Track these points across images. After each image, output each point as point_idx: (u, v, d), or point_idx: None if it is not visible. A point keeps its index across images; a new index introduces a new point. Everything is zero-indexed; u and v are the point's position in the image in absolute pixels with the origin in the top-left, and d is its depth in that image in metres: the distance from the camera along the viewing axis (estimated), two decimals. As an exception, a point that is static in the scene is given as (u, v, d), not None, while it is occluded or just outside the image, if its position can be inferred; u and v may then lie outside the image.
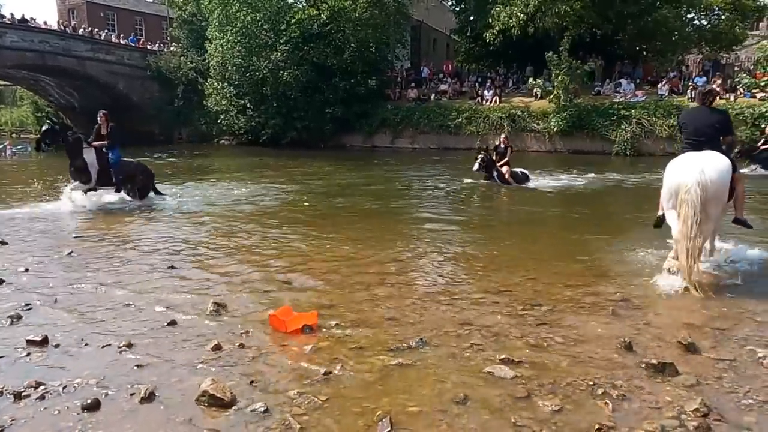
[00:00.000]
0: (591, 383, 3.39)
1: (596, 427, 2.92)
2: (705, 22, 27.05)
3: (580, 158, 20.94)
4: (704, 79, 23.84)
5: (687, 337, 3.94)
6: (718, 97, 6.50)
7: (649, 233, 6.34)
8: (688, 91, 22.67)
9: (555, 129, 23.02)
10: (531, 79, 25.42)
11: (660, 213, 5.58)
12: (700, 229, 4.85)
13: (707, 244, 5.37)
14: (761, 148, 15.21)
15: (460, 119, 25.01)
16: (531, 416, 3.05)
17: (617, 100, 23.44)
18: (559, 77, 22.46)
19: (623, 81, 24.77)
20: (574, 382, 3.41)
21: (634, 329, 4.26)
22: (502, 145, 13.37)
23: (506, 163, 13.04)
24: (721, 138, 5.35)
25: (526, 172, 13.45)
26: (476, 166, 12.82)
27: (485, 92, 25.92)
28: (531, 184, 13.15)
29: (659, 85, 23.85)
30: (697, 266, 5.01)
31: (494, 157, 13.13)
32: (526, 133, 24.03)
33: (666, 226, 5.57)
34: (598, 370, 3.57)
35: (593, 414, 3.07)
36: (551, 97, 23.13)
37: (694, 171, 4.86)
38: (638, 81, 25.21)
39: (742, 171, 14.07)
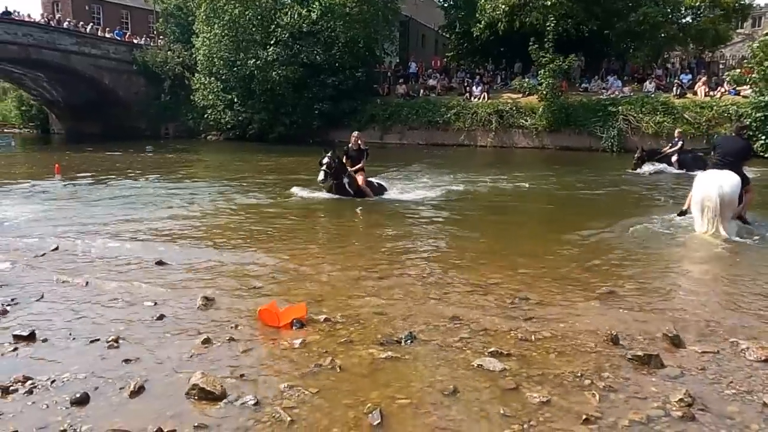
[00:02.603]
0: (578, 375, 3.44)
1: (583, 417, 2.97)
2: (690, 20, 27.31)
3: (565, 155, 21.12)
4: (689, 76, 24.12)
5: (672, 330, 4.00)
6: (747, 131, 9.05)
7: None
8: (674, 88, 22.91)
9: (542, 125, 23.15)
10: (517, 79, 25.52)
11: (685, 207, 7.56)
12: (716, 225, 6.81)
13: (722, 231, 6.97)
14: (667, 152, 15.50)
15: (448, 115, 25.07)
16: (519, 407, 3.08)
17: (604, 97, 23.63)
18: (545, 73, 22.58)
19: (610, 78, 24.97)
20: (562, 374, 3.46)
21: (621, 322, 4.32)
22: (355, 147, 10.47)
23: (361, 170, 10.21)
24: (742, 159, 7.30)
25: (384, 183, 11.12)
26: (321, 176, 9.42)
27: (474, 88, 26.01)
28: (394, 195, 10.83)
29: (646, 83, 24.07)
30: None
31: (344, 161, 10.18)
32: (514, 130, 24.16)
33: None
34: (585, 363, 3.62)
35: (580, 405, 3.11)
36: (538, 93, 23.25)
37: (715, 186, 6.74)
38: (625, 78, 25.42)
39: (644, 170, 14.95)
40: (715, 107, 21.04)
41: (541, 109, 23.19)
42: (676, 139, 15.83)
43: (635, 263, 6.14)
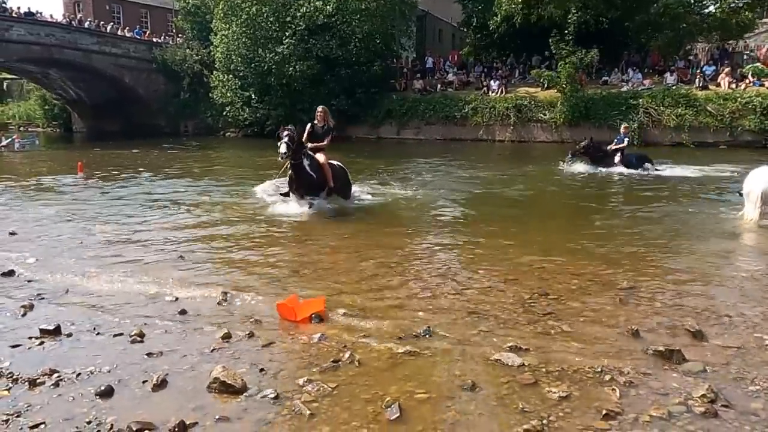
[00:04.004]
0: (598, 370, 3.41)
1: (603, 412, 2.94)
2: (713, 10, 26.75)
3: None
4: (713, 67, 23.63)
5: (694, 325, 3.95)
6: None
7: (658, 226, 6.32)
8: (696, 80, 22.48)
9: (561, 119, 22.90)
10: (535, 70, 25.26)
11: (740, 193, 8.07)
12: (761, 213, 7.43)
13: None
14: (612, 149, 13.89)
15: (466, 110, 24.91)
16: (538, 402, 3.07)
17: (624, 90, 23.29)
18: (565, 65, 22.31)
19: (631, 70, 24.58)
20: (582, 369, 3.43)
21: (642, 317, 4.28)
22: (321, 123, 9.11)
23: (321, 149, 8.88)
24: None
25: (344, 167, 9.60)
26: (283, 148, 7.96)
27: (491, 83, 25.82)
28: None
29: (666, 75, 23.66)
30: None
31: (306, 138, 8.73)
32: (533, 124, 23.93)
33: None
34: (606, 358, 3.59)
35: (600, 400, 3.09)
36: (558, 86, 22.99)
37: (763, 179, 7.40)
38: (646, 70, 25.00)
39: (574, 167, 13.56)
40: (739, 99, 20.60)
41: (559, 103, 22.93)
42: (622, 135, 14.15)
43: (656, 257, 6.08)
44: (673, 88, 22.34)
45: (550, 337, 3.93)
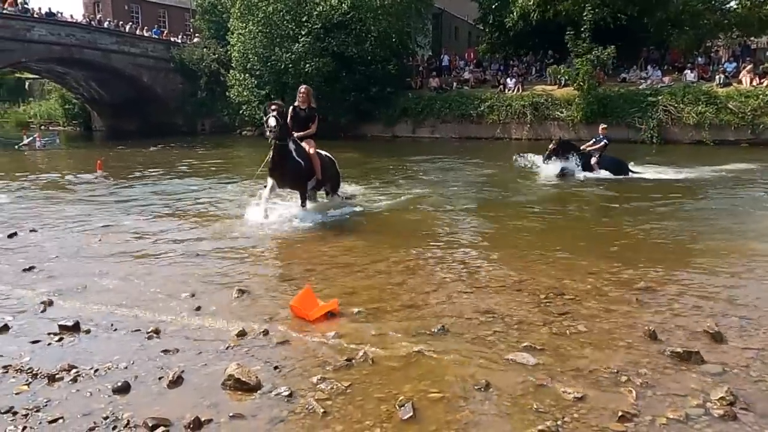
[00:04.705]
0: (614, 371, 3.38)
1: (619, 414, 2.91)
2: (735, 6, 26.26)
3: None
4: (734, 64, 23.22)
5: (713, 326, 3.89)
6: None
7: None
8: (717, 77, 22.11)
9: (579, 117, 22.66)
10: (551, 68, 25.02)
11: None
12: None
13: None
14: (588, 149, 12.75)
15: (482, 108, 24.76)
16: (553, 403, 3.05)
17: (643, 87, 22.98)
18: (582, 63, 22.07)
19: (650, 67, 24.25)
20: (597, 370, 3.40)
21: (659, 317, 4.22)
22: (303, 105, 8.04)
23: (308, 138, 7.99)
24: None
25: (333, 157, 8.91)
26: (272, 122, 7.11)
27: (508, 80, 25.65)
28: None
29: (686, 72, 23.30)
30: None
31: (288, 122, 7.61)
32: (550, 122, 23.72)
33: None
34: (622, 358, 3.55)
35: (616, 401, 3.05)
36: (575, 84, 22.75)
37: None
38: (666, 67, 24.64)
39: (549, 168, 12.30)
40: (761, 96, 20.20)
41: (577, 101, 22.69)
42: (600, 136, 12.90)
43: (673, 257, 5.99)
44: (694, 85, 22.00)
45: (566, 337, 3.90)
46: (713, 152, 17.93)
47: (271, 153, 7.56)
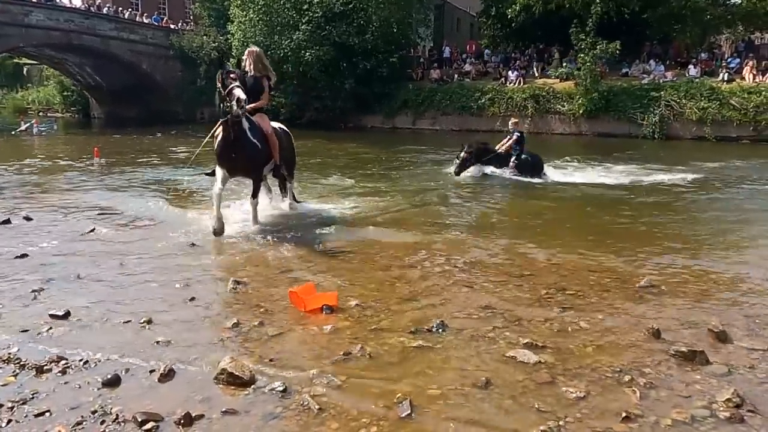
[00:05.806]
0: (617, 370, 3.29)
1: (623, 414, 2.83)
2: (739, 1, 26.05)
3: (603, 142, 20.51)
4: (737, 60, 23.07)
5: (718, 325, 3.81)
6: None
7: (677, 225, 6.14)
8: (721, 73, 21.95)
9: (580, 111, 22.52)
10: (554, 65, 24.83)
11: None
12: None
13: None
14: (503, 148, 11.23)
15: (483, 100, 24.60)
16: (555, 402, 2.97)
17: (645, 81, 22.83)
18: (586, 57, 21.89)
19: (653, 62, 24.08)
20: (600, 369, 3.32)
21: (663, 316, 4.14)
22: (252, 72, 6.67)
23: (260, 110, 6.77)
24: None
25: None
26: (241, 93, 5.89)
27: (509, 73, 25.47)
28: None
29: (689, 67, 23.14)
30: None
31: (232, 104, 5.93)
32: (551, 115, 23.57)
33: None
34: (625, 357, 3.47)
35: (620, 401, 2.97)
36: (578, 78, 22.59)
37: None
38: (668, 62, 24.48)
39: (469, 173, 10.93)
40: (764, 92, 20.09)
41: (578, 95, 22.54)
42: (512, 130, 11.41)
43: (677, 254, 5.90)
44: (696, 80, 21.86)
45: (568, 334, 3.81)
46: (713, 148, 17.82)
47: (219, 135, 6.12)
